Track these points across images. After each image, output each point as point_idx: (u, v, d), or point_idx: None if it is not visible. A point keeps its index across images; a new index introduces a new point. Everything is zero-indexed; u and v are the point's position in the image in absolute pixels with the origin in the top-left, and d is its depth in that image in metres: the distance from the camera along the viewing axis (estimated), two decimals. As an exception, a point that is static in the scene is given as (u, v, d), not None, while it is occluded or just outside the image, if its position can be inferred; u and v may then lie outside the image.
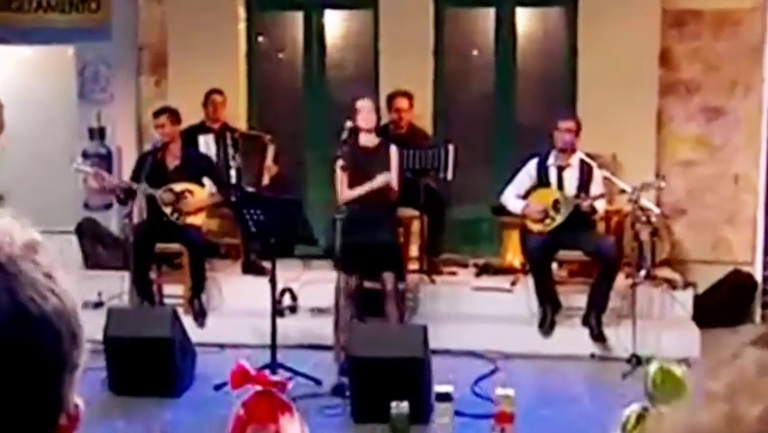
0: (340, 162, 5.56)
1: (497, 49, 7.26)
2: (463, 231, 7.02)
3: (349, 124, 5.43)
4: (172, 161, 6.15)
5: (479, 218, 7.07)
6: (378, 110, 5.71)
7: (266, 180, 6.82)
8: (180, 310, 5.86)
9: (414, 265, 6.42)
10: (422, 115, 6.92)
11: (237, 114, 7.34)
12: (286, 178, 7.04)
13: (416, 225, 6.43)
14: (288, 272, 6.33)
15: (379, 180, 5.43)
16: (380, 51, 7.25)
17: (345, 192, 5.56)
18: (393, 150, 5.63)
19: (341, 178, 5.57)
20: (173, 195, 6.04)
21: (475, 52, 7.39)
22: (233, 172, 6.76)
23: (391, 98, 6.60)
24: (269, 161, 6.88)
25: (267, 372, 4.29)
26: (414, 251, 6.53)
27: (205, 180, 6.28)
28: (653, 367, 2.07)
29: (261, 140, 6.91)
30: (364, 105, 5.57)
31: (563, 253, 5.94)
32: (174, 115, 6.13)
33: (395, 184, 5.53)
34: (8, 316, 0.83)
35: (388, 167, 5.55)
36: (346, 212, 5.49)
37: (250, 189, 6.62)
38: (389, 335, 4.94)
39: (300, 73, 7.53)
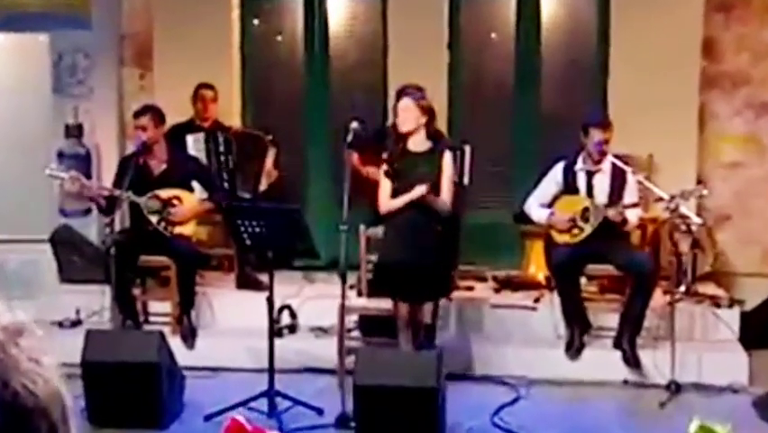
0: (384, 167, 5.54)
1: (518, 38, 7.26)
2: (481, 241, 7.03)
3: (354, 124, 5.44)
4: (157, 165, 6.18)
5: (498, 226, 7.09)
6: (429, 109, 5.54)
7: (264, 186, 6.85)
8: (167, 330, 5.94)
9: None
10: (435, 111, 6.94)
11: (230, 110, 7.37)
12: (286, 183, 7.08)
13: (429, 235, 6.45)
14: (287, 287, 6.38)
15: (416, 192, 5.37)
16: (389, 41, 7.26)
17: (386, 202, 5.52)
18: (447, 157, 5.55)
19: (383, 185, 5.52)
20: (160, 202, 6.09)
21: (494, 42, 7.40)
22: (225, 176, 6.80)
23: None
24: (268, 164, 6.91)
25: (265, 427, 4.31)
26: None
27: (195, 185, 6.32)
28: (693, 427, 2.09)
29: (261, 141, 6.93)
30: (400, 105, 5.49)
31: (593, 267, 5.96)
32: (157, 115, 6.15)
33: (446, 196, 5.44)
34: (2, 406, 0.86)
35: (439, 176, 5.50)
36: (384, 226, 5.47)
37: (245, 195, 6.66)
38: (400, 361, 4.97)
39: (300, 66, 7.56)
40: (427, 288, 5.50)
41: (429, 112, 5.56)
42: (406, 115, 5.46)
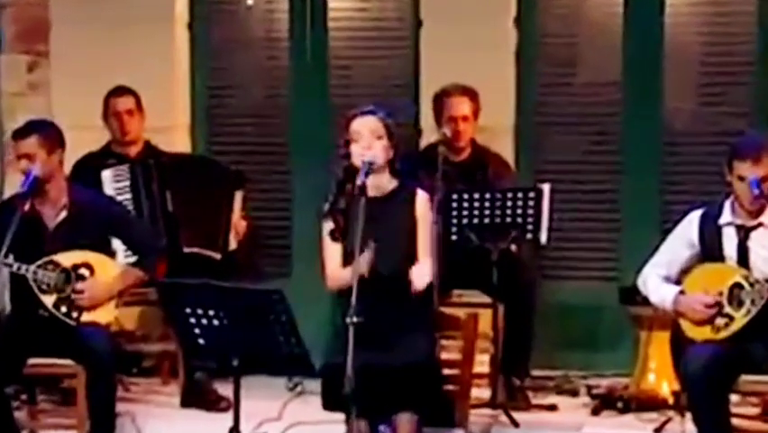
0: (328, 225, 5.62)
1: (627, 18, 7.29)
2: (571, 331, 7.09)
3: (368, 157, 5.42)
4: (54, 214, 6.13)
5: (598, 309, 7.13)
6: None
7: (233, 245, 6.95)
8: (70, 477, 5.89)
9: (482, 393, 6.47)
10: (494, 128, 6.96)
11: (173, 125, 7.47)
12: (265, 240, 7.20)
13: (485, 322, 6.40)
14: (262, 404, 6.39)
15: (363, 261, 5.33)
16: (423, 19, 7.32)
17: (336, 272, 5.64)
18: (420, 198, 5.56)
19: (329, 249, 5.66)
20: (59, 273, 6.04)
21: (588, 14, 7.40)
22: (163, 225, 6.86)
23: (441, 99, 6.67)
24: (236, 213, 6.98)
25: None
26: (482, 366, 6.52)
27: (116, 245, 6.35)
28: None
29: (226, 175, 7.02)
30: (363, 123, 5.52)
31: (750, 379, 5.88)
32: (50, 137, 6.10)
33: (423, 273, 5.40)
34: None
35: (406, 232, 5.52)
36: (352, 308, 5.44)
37: (213, 255, 6.79)
38: None
39: (285, 55, 7.63)
40: (402, 396, 5.41)
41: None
42: (373, 143, 5.52)
